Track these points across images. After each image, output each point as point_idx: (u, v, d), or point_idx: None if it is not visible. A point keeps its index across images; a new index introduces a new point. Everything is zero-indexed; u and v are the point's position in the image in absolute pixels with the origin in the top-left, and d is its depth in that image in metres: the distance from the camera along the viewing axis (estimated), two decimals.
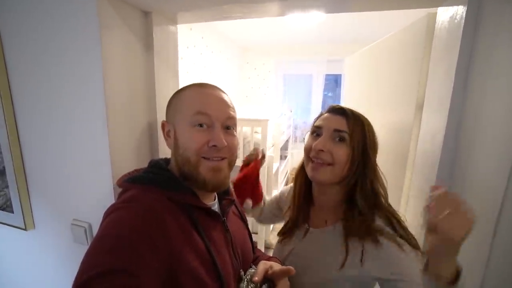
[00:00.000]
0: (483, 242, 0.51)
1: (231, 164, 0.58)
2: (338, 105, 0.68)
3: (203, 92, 0.56)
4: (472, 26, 0.56)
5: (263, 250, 2.21)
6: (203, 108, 0.53)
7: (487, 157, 0.52)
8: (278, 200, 0.90)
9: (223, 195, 0.65)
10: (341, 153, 0.62)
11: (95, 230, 0.77)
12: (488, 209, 0.50)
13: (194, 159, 0.53)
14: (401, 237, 0.58)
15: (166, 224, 0.47)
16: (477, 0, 0.55)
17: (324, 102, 3.86)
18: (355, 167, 0.63)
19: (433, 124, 0.69)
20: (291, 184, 0.84)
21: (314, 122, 0.71)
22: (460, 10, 0.58)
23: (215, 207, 0.61)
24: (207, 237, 0.52)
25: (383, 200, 0.64)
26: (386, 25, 2.44)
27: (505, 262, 0.48)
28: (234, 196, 0.68)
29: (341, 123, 0.63)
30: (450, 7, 0.62)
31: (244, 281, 0.56)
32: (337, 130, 0.63)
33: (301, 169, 0.75)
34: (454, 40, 0.60)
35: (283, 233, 0.76)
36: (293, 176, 0.81)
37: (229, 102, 0.58)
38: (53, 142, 0.76)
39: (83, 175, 0.74)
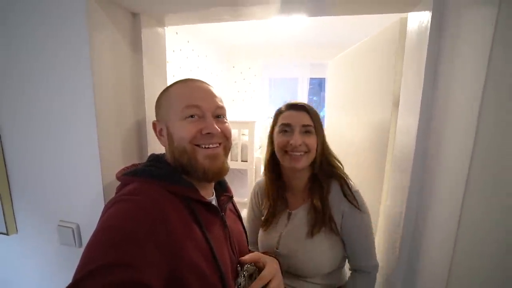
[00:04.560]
0: (451, 222, 0.57)
1: (226, 150, 0.59)
2: (296, 102, 0.81)
3: (189, 86, 0.58)
4: (437, 30, 0.62)
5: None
6: (192, 100, 0.54)
7: (452, 147, 0.58)
8: (256, 214, 0.95)
9: (221, 191, 0.66)
10: (312, 141, 0.77)
11: (84, 231, 0.77)
12: (454, 192, 0.56)
13: (189, 148, 0.53)
14: (347, 196, 0.77)
15: (169, 218, 0.47)
16: (441, 7, 0.61)
17: None
18: (320, 149, 0.79)
19: (408, 120, 0.74)
20: (255, 187, 0.97)
21: (277, 117, 0.83)
22: (426, 16, 0.64)
23: (214, 202, 0.62)
24: (207, 231, 0.53)
25: (337, 170, 0.82)
26: (365, 30, 2.56)
27: (471, 240, 0.53)
28: (232, 193, 0.69)
29: (306, 118, 0.77)
30: (418, 13, 0.69)
31: (241, 276, 0.56)
32: (305, 125, 0.77)
33: (269, 163, 0.87)
34: (422, 42, 0.66)
35: (266, 221, 0.86)
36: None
37: (216, 93, 0.59)
38: (38, 140, 0.75)
39: (70, 174, 0.74)
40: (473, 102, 0.51)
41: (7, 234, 0.83)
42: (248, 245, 0.73)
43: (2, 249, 0.89)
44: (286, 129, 0.78)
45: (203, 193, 0.57)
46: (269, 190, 0.86)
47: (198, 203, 0.55)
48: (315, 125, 0.77)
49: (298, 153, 0.76)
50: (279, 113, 0.83)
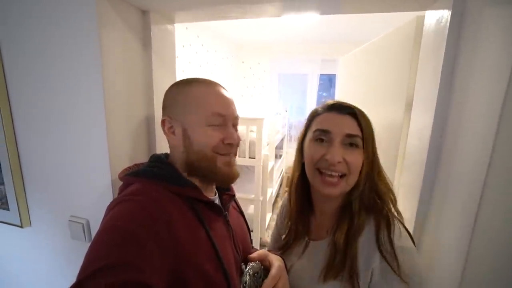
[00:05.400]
0: (464, 230, 0.55)
1: (235, 156, 0.62)
2: (342, 102, 0.60)
3: (216, 92, 0.58)
4: (456, 29, 0.59)
5: (258, 248, 2.24)
6: (221, 109, 0.56)
7: (468, 151, 0.56)
8: (280, 232, 0.77)
9: (223, 190, 0.66)
10: (356, 159, 0.55)
11: (93, 227, 0.79)
12: (469, 200, 0.54)
13: (210, 155, 0.55)
14: (380, 246, 0.52)
15: (171, 218, 0.47)
16: (461, 5, 0.58)
17: (318, 102, 3.91)
18: (367, 171, 0.57)
19: (421, 122, 0.72)
20: (283, 201, 0.79)
21: (310, 121, 0.63)
22: (445, 14, 0.61)
23: (216, 201, 0.62)
24: (211, 230, 0.53)
25: (384, 205, 0.57)
26: (378, 27, 2.49)
27: (484, 250, 0.51)
28: (234, 192, 0.69)
29: (352, 125, 0.56)
30: (437, 11, 0.65)
31: (246, 275, 0.56)
32: (349, 135, 0.55)
33: (299, 177, 0.66)
34: (440, 41, 0.63)
35: (285, 244, 0.70)
36: (288, 175, 0.74)
37: (234, 101, 0.61)
38: (50, 137, 0.76)
39: (81, 171, 0.75)
40: (493, 106, 0.49)
41: (21, 226, 0.86)
42: (252, 243, 0.73)
43: (16, 241, 0.93)
44: (322, 137, 0.57)
45: (205, 193, 0.57)
46: (293, 213, 0.68)
47: (201, 202, 0.55)
48: (364, 136, 0.56)
49: (335, 174, 0.55)
50: (314, 115, 0.62)
